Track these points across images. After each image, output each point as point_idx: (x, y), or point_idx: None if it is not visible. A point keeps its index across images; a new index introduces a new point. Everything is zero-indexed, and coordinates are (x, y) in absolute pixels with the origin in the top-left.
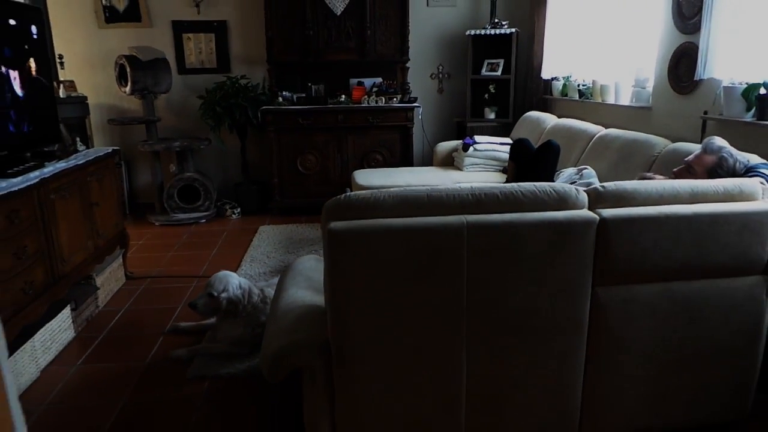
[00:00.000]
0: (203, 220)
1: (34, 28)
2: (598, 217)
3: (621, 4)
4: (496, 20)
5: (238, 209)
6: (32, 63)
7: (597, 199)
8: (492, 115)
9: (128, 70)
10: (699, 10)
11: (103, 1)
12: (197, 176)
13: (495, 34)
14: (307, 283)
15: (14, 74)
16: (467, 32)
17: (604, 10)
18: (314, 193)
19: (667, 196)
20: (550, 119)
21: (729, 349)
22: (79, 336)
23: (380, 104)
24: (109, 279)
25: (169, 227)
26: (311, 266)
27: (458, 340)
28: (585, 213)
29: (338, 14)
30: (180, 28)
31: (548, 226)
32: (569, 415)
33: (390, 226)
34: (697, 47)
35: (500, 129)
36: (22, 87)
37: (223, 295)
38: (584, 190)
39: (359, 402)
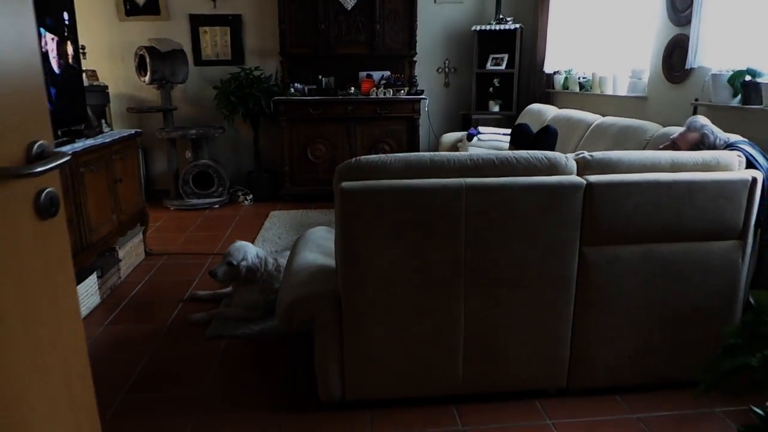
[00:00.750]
0: (216, 206)
1: (66, 15)
2: (585, 182)
3: None
4: (501, 16)
5: (250, 196)
6: (68, 47)
7: (585, 166)
8: (496, 108)
9: (148, 60)
10: (691, 3)
11: None
12: (211, 163)
13: (500, 29)
14: (319, 249)
15: (53, 54)
16: (473, 28)
17: (604, 5)
18: (324, 181)
19: (650, 165)
20: (551, 110)
21: (708, 310)
22: (104, 302)
23: (388, 96)
24: (130, 253)
25: (184, 212)
26: (322, 235)
27: (456, 292)
28: (573, 178)
29: (349, 9)
30: (197, 21)
31: (539, 189)
32: (558, 366)
33: (396, 187)
34: (689, 38)
35: (504, 121)
36: (59, 67)
37: (243, 263)
38: (573, 158)
39: (365, 348)
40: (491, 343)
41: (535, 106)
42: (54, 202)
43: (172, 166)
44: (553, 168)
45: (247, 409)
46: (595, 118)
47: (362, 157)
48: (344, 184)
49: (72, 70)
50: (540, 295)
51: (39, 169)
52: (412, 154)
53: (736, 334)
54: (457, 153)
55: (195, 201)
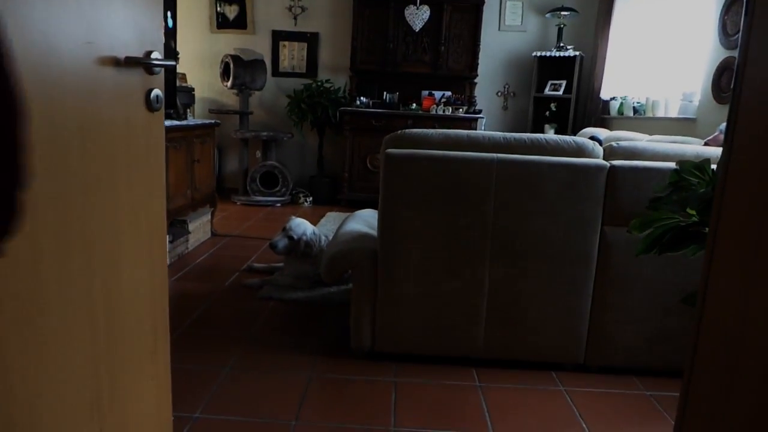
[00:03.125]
0: (278, 204)
1: (169, 14)
2: (608, 164)
3: (674, 26)
4: (562, 44)
5: (311, 198)
6: (170, 42)
7: (611, 153)
8: (551, 132)
9: (231, 66)
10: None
11: (218, 9)
12: (278, 165)
13: (560, 56)
14: (365, 223)
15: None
16: (533, 53)
17: (660, 32)
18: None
19: (673, 156)
20: (603, 132)
21: None
22: (171, 264)
23: (447, 113)
24: (198, 229)
25: (249, 207)
26: (370, 215)
27: (482, 258)
28: (598, 161)
29: (416, 30)
30: (278, 36)
31: (565, 167)
32: (577, 342)
33: (435, 156)
34: None
35: None
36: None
37: (303, 238)
38: (601, 147)
39: (396, 302)
40: (512, 309)
41: (589, 130)
42: (159, 100)
43: (242, 165)
44: (580, 152)
45: (285, 352)
46: (642, 137)
47: (408, 129)
48: (389, 150)
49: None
50: (561, 269)
51: (156, 62)
52: (452, 130)
53: (662, 189)
54: (492, 132)
55: (260, 198)
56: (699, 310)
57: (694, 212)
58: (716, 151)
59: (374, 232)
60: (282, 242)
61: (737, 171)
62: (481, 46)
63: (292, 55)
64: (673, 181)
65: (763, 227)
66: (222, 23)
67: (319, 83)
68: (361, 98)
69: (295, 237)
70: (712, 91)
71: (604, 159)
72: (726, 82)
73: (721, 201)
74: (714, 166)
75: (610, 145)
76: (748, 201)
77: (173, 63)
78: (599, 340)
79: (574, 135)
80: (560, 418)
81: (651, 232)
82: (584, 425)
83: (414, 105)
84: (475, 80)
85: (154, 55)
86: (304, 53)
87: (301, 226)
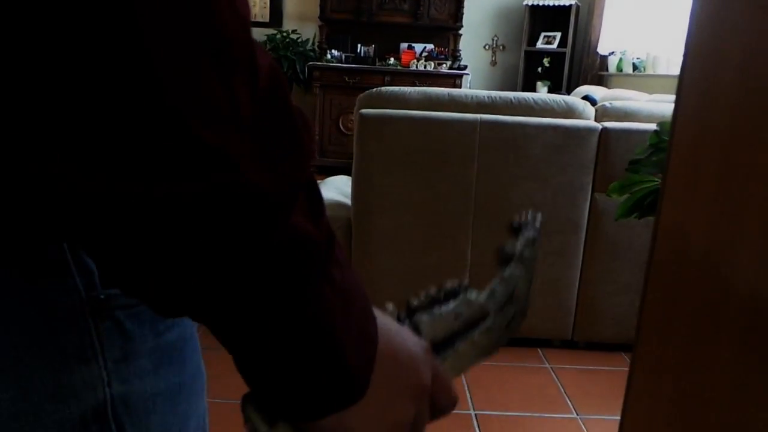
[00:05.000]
0: None
1: None
2: (600, 126)
3: None
4: None
5: None
6: None
7: (603, 113)
8: (544, 90)
9: None
10: None
11: None
12: None
13: (554, 5)
14: (338, 191)
15: None
16: (524, 2)
17: None
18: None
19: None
20: (600, 92)
21: None
22: None
23: (429, 69)
24: None
25: None
26: (343, 181)
27: (465, 227)
28: (589, 122)
29: None
30: None
31: (554, 129)
32: (564, 316)
33: (413, 117)
34: None
35: None
36: None
37: None
38: (592, 106)
39: (371, 277)
40: None
41: (584, 88)
42: None
43: None
44: (570, 112)
45: None
46: (642, 96)
47: (383, 87)
48: (363, 111)
49: None
50: (548, 238)
51: None
52: (432, 88)
53: (642, 152)
54: (476, 90)
55: None
56: (646, 272)
57: None
58: None
59: (348, 201)
60: None
61: (683, 120)
62: None
63: (254, 1)
64: (653, 142)
65: (699, 178)
66: None
67: (284, 34)
68: (333, 52)
69: None
70: None
71: (595, 120)
72: None
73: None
74: None
75: (603, 106)
76: (687, 155)
77: None
78: (588, 313)
79: (569, 93)
80: (545, 397)
81: (630, 196)
82: (570, 404)
83: (392, 59)
84: (460, 32)
85: None
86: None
87: None
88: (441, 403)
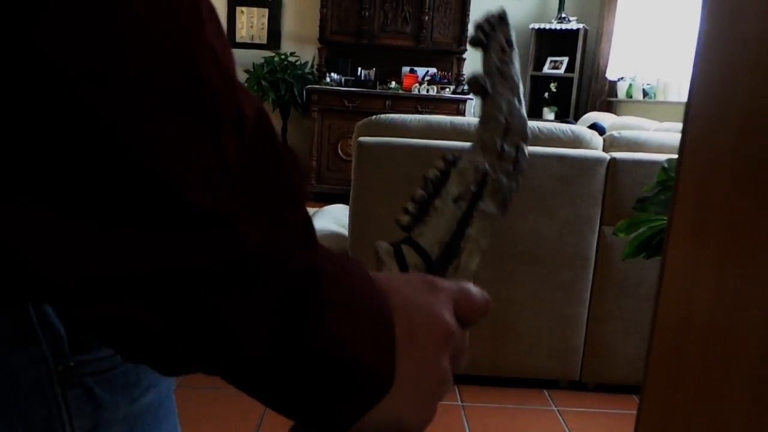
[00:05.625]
0: None
1: None
2: (609, 157)
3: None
4: (563, 15)
5: None
6: None
7: (611, 144)
8: (551, 116)
9: None
10: None
11: None
12: None
13: (561, 29)
14: (335, 221)
15: None
16: (531, 26)
17: (674, 5)
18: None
19: None
20: (608, 119)
21: None
22: None
23: (431, 93)
24: None
25: None
26: (340, 211)
27: None
28: (597, 152)
29: None
30: (235, 0)
31: (561, 160)
32: (572, 355)
33: (413, 145)
34: None
35: None
36: None
37: None
38: (600, 135)
39: None
40: (500, 320)
41: (592, 115)
42: None
43: None
44: (577, 141)
45: None
46: (652, 124)
47: (383, 115)
48: (362, 138)
49: None
50: (555, 274)
51: None
52: (433, 116)
53: (649, 189)
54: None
55: None
56: (652, 317)
57: None
58: None
59: (345, 232)
60: None
61: (688, 165)
62: (471, 16)
63: (251, 23)
64: (661, 180)
65: (707, 221)
66: None
67: (282, 56)
68: (332, 75)
69: None
70: None
71: (604, 150)
72: None
73: (675, 197)
74: None
75: (611, 135)
76: (693, 196)
77: None
78: (597, 353)
79: (577, 120)
80: None
81: (638, 235)
82: None
83: (393, 83)
84: (464, 55)
85: None
86: (265, 21)
87: None
88: (472, 318)
